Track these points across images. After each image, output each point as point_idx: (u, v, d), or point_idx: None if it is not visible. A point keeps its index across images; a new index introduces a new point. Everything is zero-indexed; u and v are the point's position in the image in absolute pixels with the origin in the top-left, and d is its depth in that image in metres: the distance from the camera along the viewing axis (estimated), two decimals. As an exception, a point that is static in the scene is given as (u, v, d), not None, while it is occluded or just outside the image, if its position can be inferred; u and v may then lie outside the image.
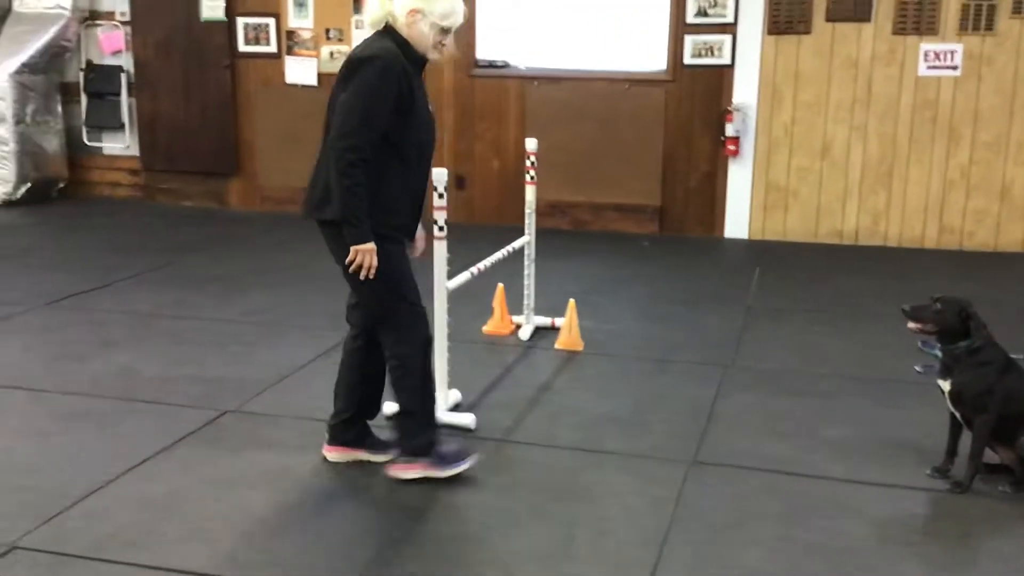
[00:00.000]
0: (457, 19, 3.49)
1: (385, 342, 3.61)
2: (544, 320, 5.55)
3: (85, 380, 4.67)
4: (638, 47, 8.22)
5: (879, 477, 3.75)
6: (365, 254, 3.37)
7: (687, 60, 8.00)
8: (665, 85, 8.11)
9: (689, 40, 7.95)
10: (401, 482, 3.62)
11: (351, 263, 3.39)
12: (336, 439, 3.80)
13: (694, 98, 8.09)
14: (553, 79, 8.34)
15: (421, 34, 3.43)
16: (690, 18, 7.93)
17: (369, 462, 3.77)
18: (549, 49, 8.43)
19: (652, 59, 8.20)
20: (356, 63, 3.38)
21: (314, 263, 7.10)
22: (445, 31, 3.48)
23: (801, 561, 3.14)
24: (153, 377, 4.73)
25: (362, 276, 3.40)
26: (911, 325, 3.68)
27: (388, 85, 3.33)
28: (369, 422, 3.85)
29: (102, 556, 3.10)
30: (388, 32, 3.45)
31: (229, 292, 6.28)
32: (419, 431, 3.63)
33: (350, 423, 3.78)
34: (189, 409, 4.32)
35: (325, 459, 3.80)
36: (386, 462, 3.71)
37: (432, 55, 3.51)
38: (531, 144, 5.38)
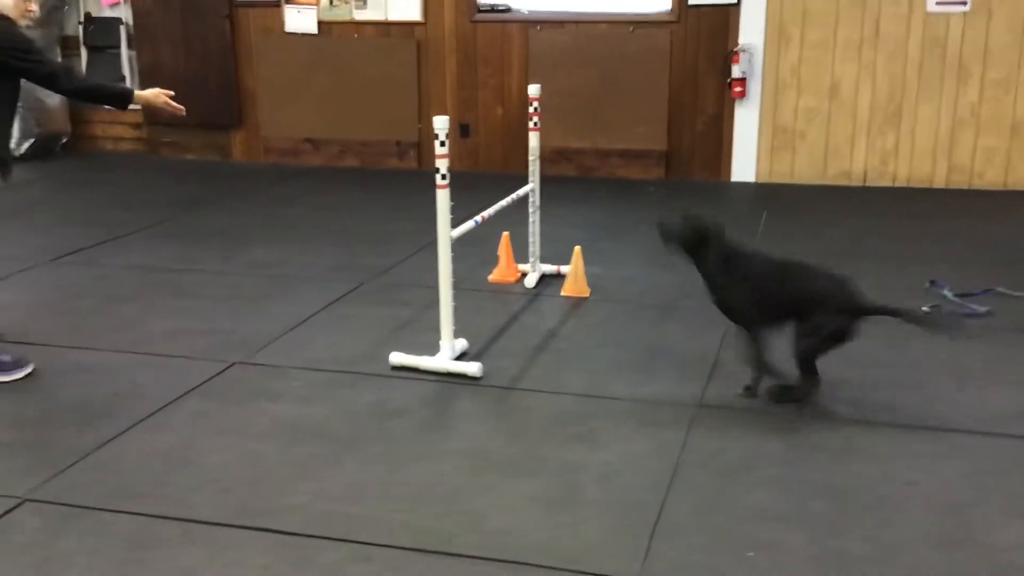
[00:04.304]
0: None
1: None
2: (550, 267, 5.53)
3: (92, 335, 4.69)
4: (642, -12, 8.11)
5: (888, 418, 3.75)
6: None
7: (692, 0, 7.87)
8: (670, 26, 7.98)
9: (694, -20, 7.83)
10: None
11: None
12: None
13: (699, 39, 7.97)
14: (556, 23, 8.23)
15: (4, 6, 4.06)
16: (695, -43, 7.80)
17: None
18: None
19: (656, 0, 8.07)
20: None
21: (319, 215, 7.10)
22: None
23: (808, 501, 3.15)
24: (160, 331, 4.74)
25: None
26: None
27: None
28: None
29: (112, 507, 3.14)
30: None
31: (234, 245, 6.27)
32: None
33: None
34: (197, 361, 4.34)
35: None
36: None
37: (22, 22, 4.13)
38: (534, 90, 5.32)
